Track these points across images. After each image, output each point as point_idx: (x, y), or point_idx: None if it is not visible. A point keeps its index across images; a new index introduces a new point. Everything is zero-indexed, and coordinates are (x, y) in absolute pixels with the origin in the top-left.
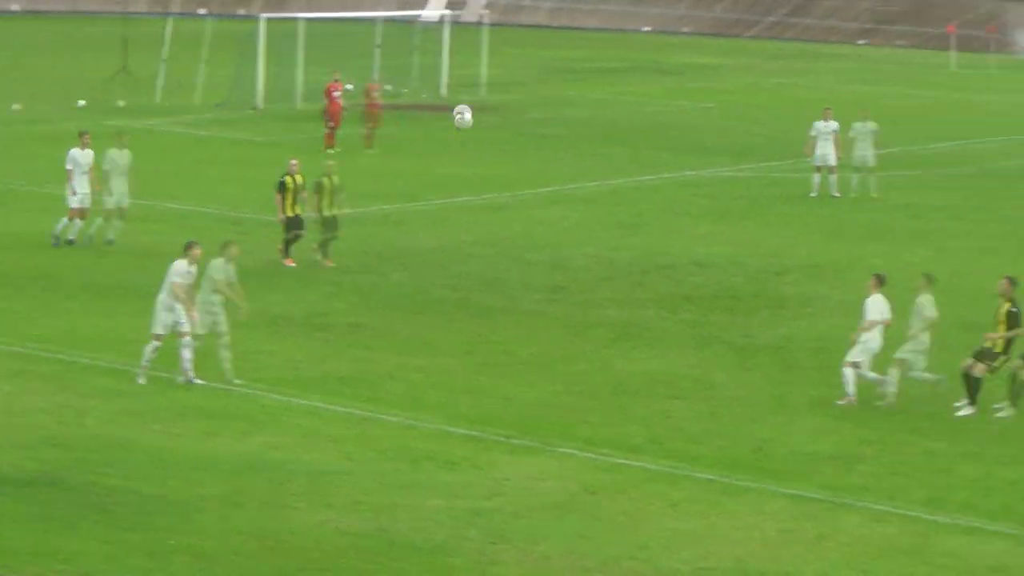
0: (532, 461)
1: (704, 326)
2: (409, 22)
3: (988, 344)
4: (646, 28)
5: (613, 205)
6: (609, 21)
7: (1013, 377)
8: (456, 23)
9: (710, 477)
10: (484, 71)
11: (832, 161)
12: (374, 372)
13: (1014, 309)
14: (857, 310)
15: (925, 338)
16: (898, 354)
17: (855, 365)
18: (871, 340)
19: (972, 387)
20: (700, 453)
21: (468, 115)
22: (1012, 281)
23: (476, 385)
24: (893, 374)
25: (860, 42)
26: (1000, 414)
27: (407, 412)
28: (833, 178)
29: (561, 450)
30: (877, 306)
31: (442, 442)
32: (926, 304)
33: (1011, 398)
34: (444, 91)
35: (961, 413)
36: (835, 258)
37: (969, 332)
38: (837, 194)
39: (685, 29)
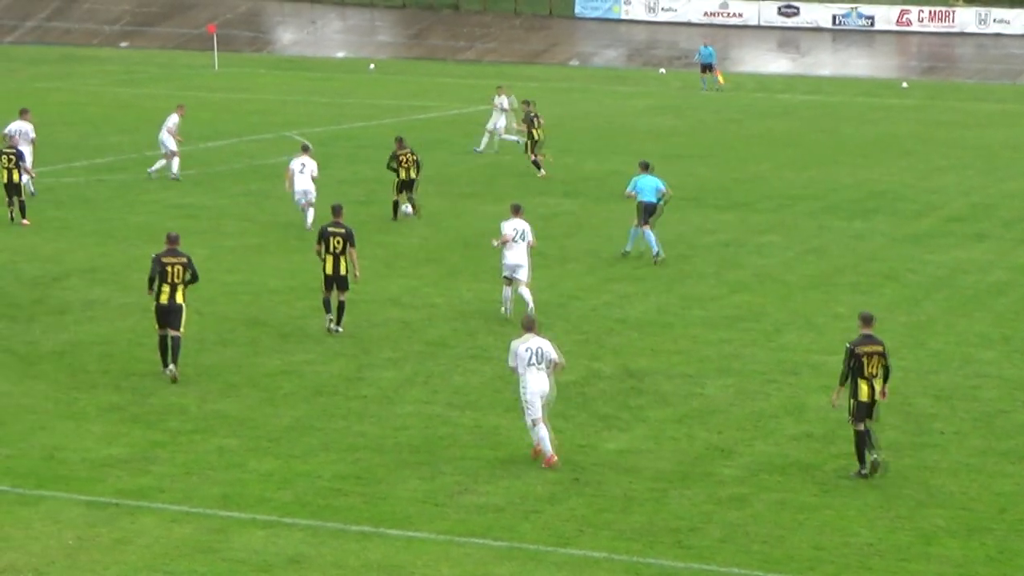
0: None
1: None
2: None
3: None
4: None
5: None
6: None
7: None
8: None
9: (2, 489)
10: None
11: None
12: None
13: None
14: (138, 311)
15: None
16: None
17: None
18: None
19: None
20: None
21: None
22: None
23: None
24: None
25: (122, 45)
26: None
27: None
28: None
29: None
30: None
31: None
32: None
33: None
34: None
35: None
36: (113, 261)
37: (254, 328)
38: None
39: None
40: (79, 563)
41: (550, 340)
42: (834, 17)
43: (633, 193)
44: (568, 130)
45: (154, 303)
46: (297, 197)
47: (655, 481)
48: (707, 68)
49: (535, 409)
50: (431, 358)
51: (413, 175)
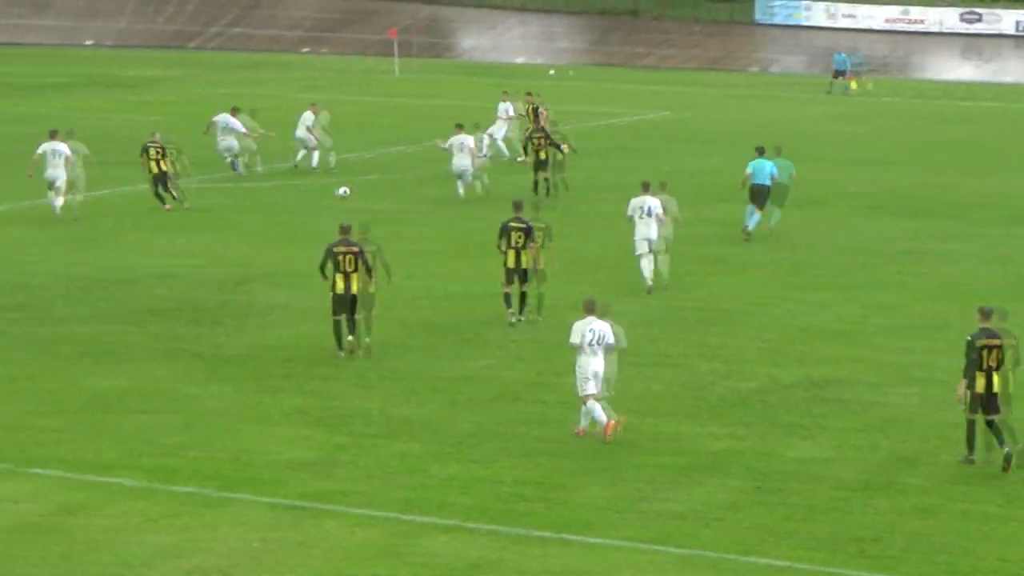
0: (6, 484)
1: (173, 339)
2: None
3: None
4: (89, 42)
5: (69, 221)
6: (49, 36)
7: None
8: None
9: (188, 490)
10: None
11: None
12: None
13: None
14: (321, 315)
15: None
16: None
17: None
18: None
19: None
20: (178, 466)
21: None
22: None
23: None
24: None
25: (303, 50)
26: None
27: None
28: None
29: (36, 471)
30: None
31: None
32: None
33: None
34: None
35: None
36: (297, 266)
37: (435, 333)
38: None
39: (129, 42)
40: (264, 565)
41: (612, 324)
42: (1017, 23)
43: (749, 172)
44: (749, 137)
45: (330, 292)
46: (456, 172)
47: (838, 490)
48: (840, 74)
49: (588, 387)
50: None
51: (544, 156)
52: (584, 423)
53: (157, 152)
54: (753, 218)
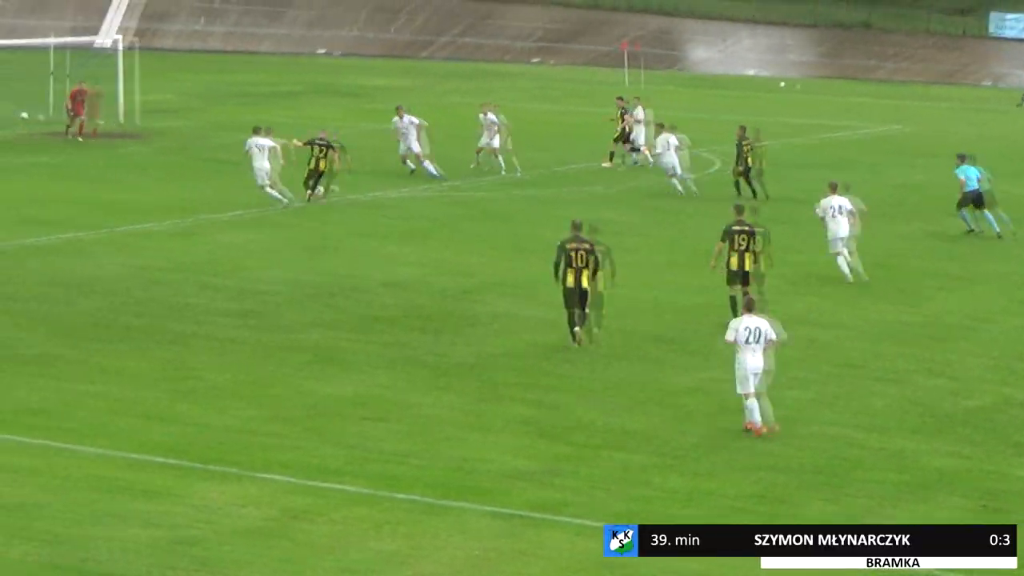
0: (232, 487)
1: (397, 347)
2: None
3: None
4: (321, 51)
5: (299, 228)
6: (283, 45)
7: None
8: (137, 49)
9: (412, 497)
10: (137, 97)
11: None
12: (66, 402)
13: None
14: (546, 325)
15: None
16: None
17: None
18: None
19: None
20: (400, 474)
21: None
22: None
23: (171, 412)
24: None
25: (534, 60)
26: None
27: (102, 442)
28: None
29: (260, 475)
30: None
31: (139, 471)
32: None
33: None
34: (121, 118)
35: None
36: (522, 275)
37: (660, 345)
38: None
39: (361, 51)
40: (484, 574)
41: (769, 319)
42: None
43: (963, 179)
44: (977, 152)
45: (562, 286)
46: (666, 170)
47: None
48: None
49: (747, 385)
50: (837, 379)
51: (750, 163)
52: (754, 418)
53: (321, 150)
54: (990, 219)
